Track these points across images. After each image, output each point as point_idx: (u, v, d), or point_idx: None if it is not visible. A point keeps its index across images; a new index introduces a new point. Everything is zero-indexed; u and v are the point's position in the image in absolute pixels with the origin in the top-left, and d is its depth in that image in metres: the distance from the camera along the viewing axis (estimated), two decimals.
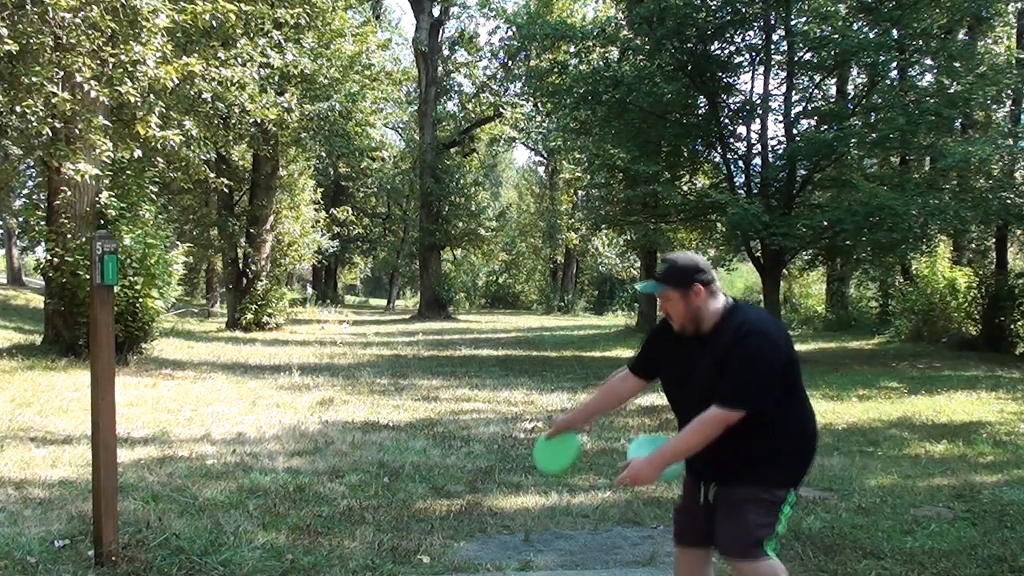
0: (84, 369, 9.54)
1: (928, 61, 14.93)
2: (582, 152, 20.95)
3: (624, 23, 15.96)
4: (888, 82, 14.73)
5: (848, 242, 13.82)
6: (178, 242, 15.15)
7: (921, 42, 13.94)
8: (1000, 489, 5.51)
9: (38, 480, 5.36)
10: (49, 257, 11.74)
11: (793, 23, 14.37)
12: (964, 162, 12.84)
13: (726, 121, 15.22)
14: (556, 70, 16.79)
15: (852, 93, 16.56)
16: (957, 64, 13.90)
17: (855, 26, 13.91)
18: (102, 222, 11.37)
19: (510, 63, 27.03)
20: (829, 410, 8.89)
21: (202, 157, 15.80)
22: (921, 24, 13.42)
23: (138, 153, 10.72)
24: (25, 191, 28.10)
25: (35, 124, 9.14)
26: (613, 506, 5.10)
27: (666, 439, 2.96)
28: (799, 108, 14.90)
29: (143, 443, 6.63)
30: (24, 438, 6.61)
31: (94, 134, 9.94)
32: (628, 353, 16.31)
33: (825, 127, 14.17)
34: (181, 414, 8.08)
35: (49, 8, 8.67)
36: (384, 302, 45.77)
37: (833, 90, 17.67)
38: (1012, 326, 16.21)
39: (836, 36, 13.52)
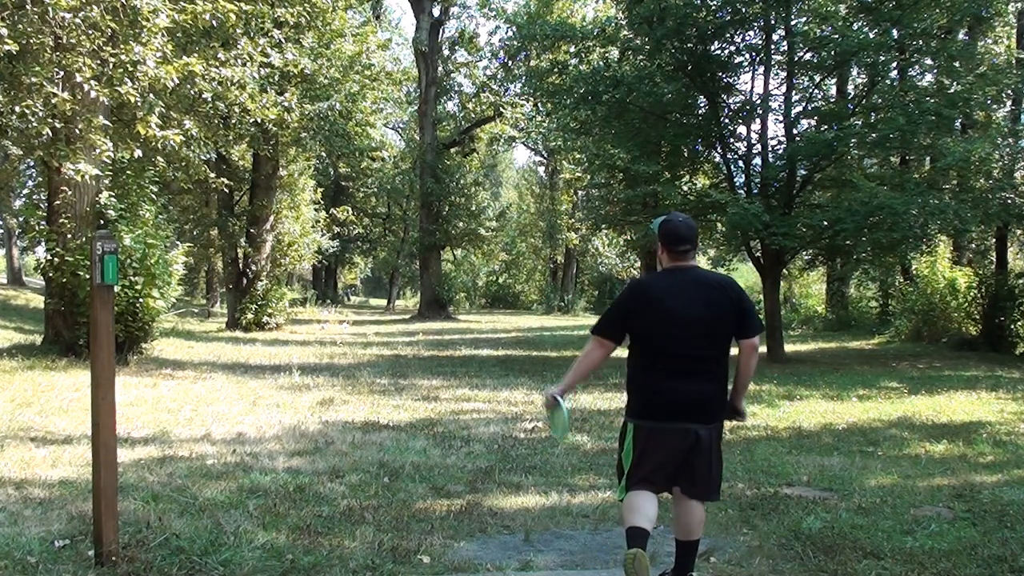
0: (84, 369, 9.54)
1: (928, 61, 14.92)
2: (582, 152, 20.98)
3: (624, 23, 15.96)
4: (888, 82, 14.73)
5: (848, 242, 13.83)
6: (178, 242, 15.17)
7: (921, 42, 13.94)
8: (1000, 489, 5.51)
9: (38, 480, 5.36)
10: (49, 257, 11.74)
11: (793, 23, 14.37)
12: (964, 162, 12.84)
13: (726, 121, 15.21)
14: (556, 70, 16.79)
15: (852, 93, 16.56)
16: (957, 64, 13.90)
17: (855, 26, 13.90)
18: (102, 222, 11.37)
19: (510, 63, 27.02)
20: (829, 410, 8.90)
21: (202, 157, 15.81)
22: (921, 24, 13.41)
23: (138, 153, 10.72)
24: (25, 191, 28.10)
25: (35, 124, 9.14)
26: (613, 506, 5.10)
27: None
28: (799, 108, 14.90)
29: (143, 443, 6.63)
30: (24, 438, 6.61)
31: (94, 134, 9.94)
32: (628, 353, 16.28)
33: (825, 127, 14.16)
34: (181, 414, 8.08)
35: (49, 8, 8.67)
36: (384, 302, 45.78)
37: (833, 90, 17.67)
38: (1012, 326, 16.22)
39: (836, 36, 13.52)
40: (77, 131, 10.19)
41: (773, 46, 14.78)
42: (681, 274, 3.61)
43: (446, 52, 32.29)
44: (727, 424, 3.86)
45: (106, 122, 10.23)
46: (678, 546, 3.66)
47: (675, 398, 3.50)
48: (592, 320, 27.71)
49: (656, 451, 3.52)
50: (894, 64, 14.49)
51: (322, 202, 30.04)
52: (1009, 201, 13.74)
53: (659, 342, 3.54)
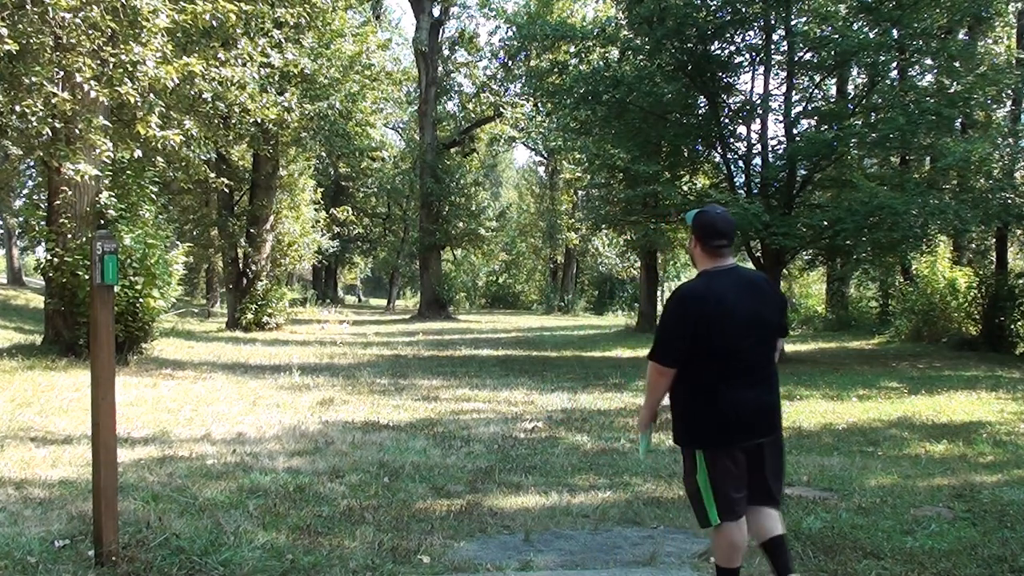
0: (84, 369, 9.54)
1: (928, 61, 14.92)
2: (582, 152, 20.98)
3: (624, 23, 15.98)
4: (888, 82, 14.73)
5: (848, 242, 13.83)
6: (178, 242, 15.16)
7: (921, 42, 13.94)
8: (1000, 489, 5.50)
9: (38, 480, 5.36)
10: (49, 257, 11.74)
11: (793, 23, 14.38)
12: (964, 162, 12.85)
13: (726, 121, 15.22)
14: (556, 70, 16.80)
15: (852, 93, 16.56)
16: (957, 64, 13.90)
17: (855, 26, 13.91)
18: (102, 222, 11.37)
19: (510, 63, 27.03)
20: (829, 410, 8.89)
21: (202, 157, 15.81)
22: (921, 24, 13.42)
23: (138, 153, 10.73)
24: (25, 191, 28.11)
25: (35, 124, 9.13)
26: (613, 506, 5.10)
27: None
28: (799, 108, 14.91)
29: (143, 443, 6.63)
30: (24, 438, 6.61)
31: (94, 134, 9.94)
32: (628, 353, 16.31)
33: (825, 127, 14.17)
34: (181, 414, 8.08)
35: (49, 8, 8.66)
36: (384, 302, 45.79)
37: (833, 90, 17.67)
38: (1012, 326, 16.21)
39: (836, 36, 13.52)
40: (77, 131, 10.18)
41: (773, 46, 14.79)
42: (729, 275, 3.32)
43: (446, 52, 32.29)
44: None
45: (106, 122, 10.23)
46: (772, 547, 3.36)
47: (749, 414, 3.23)
48: (592, 320, 27.58)
49: (739, 475, 3.23)
50: (894, 64, 14.49)
51: (322, 202, 30.05)
52: (1009, 201, 13.73)
53: (723, 354, 3.22)
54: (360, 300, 54.61)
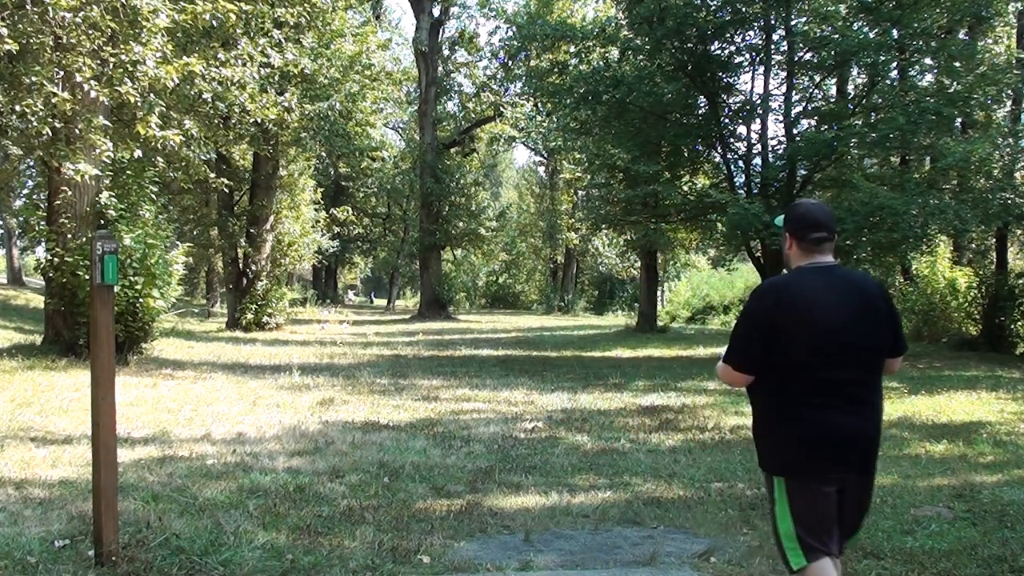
0: (84, 369, 9.54)
1: (928, 61, 14.93)
2: (582, 152, 21.01)
3: (624, 23, 15.99)
4: (888, 82, 14.73)
5: (848, 242, 13.79)
6: (178, 242, 15.16)
7: (921, 42, 13.94)
8: (1000, 489, 5.50)
9: (38, 480, 5.36)
10: (49, 257, 11.74)
11: (793, 23, 14.38)
12: (964, 162, 12.85)
13: (726, 121, 15.23)
14: (556, 70, 16.82)
15: (852, 93, 16.56)
16: (957, 64, 13.90)
17: (855, 26, 13.91)
18: (102, 222, 11.37)
19: (510, 63, 27.05)
20: None
21: (202, 157, 15.79)
22: (921, 24, 13.42)
23: (138, 153, 10.72)
24: (25, 191, 28.09)
25: (35, 124, 9.13)
26: (613, 506, 5.10)
27: None
28: (799, 108, 14.91)
29: (143, 443, 6.63)
30: (24, 438, 6.61)
31: (94, 134, 9.94)
32: (628, 353, 16.31)
33: (825, 127, 14.17)
34: (181, 414, 8.08)
35: (49, 8, 8.67)
36: (384, 302, 45.80)
37: (833, 90, 17.67)
38: (1012, 326, 16.22)
39: (836, 36, 13.53)
40: (77, 131, 10.19)
41: (773, 46, 14.80)
42: (825, 274, 2.83)
43: (446, 52, 32.30)
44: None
45: (106, 122, 10.23)
46: None
47: (837, 443, 2.76)
48: (592, 320, 27.58)
49: (827, 512, 2.81)
50: (894, 64, 14.49)
51: (322, 202, 30.06)
52: (1009, 201, 13.73)
53: (807, 367, 2.73)
54: (372, 300, 54.31)
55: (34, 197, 21.38)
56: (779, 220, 3.05)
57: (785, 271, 3.00)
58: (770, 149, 14.90)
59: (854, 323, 2.76)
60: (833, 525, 2.82)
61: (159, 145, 10.43)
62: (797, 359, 2.72)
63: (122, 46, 9.44)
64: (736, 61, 15.04)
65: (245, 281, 20.75)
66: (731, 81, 15.39)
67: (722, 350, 2.94)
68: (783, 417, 2.80)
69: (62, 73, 9.51)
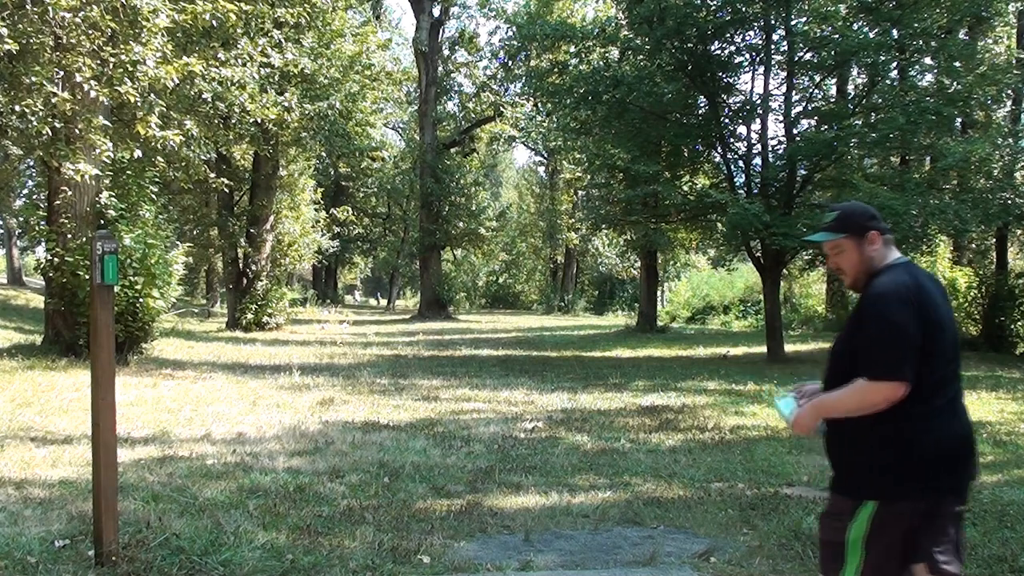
0: (84, 369, 9.54)
1: (928, 61, 14.92)
2: (582, 152, 20.98)
3: (624, 23, 15.97)
4: (888, 82, 14.73)
5: None
6: (178, 242, 15.15)
7: (921, 42, 13.93)
8: (1000, 489, 5.50)
9: (38, 480, 5.36)
10: (49, 257, 11.74)
11: (793, 23, 14.37)
12: (964, 162, 12.85)
13: (726, 121, 15.21)
14: (556, 70, 16.80)
15: (852, 93, 16.56)
16: (957, 64, 13.90)
17: (855, 26, 13.90)
18: (102, 222, 11.37)
19: (510, 63, 27.02)
20: None
21: (202, 157, 15.82)
22: (921, 24, 13.42)
23: (138, 153, 10.72)
24: (25, 191, 28.11)
25: (35, 124, 9.13)
26: (613, 506, 5.10)
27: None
28: (799, 108, 14.90)
29: (143, 443, 6.63)
30: (24, 438, 6.61)
31: (94, 134, 9.94)
32: (628, 353, 16.31)
33: (825, 127, 14.16)
34: (181, 414, 8.08)
35: (49, 8, 8.67)
36: (384, 302, 45.80)
37: (833, 90, 17.67)
38: (1012, 326, 16.22)
39: (836, 36, 13.52)
40: (77, 131, 10.19)
41: (773, 46, 14.78)
42: (923, 271, 2.66)
43: (446, 52, 32.32)
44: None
45: (106, 122, 10.23)
46: None
47: (961, 457, 2.52)
48: (592, 320, 27.47)
49: (904, 552, 2.47)
50: (894, 64, 14.48)
51: (322, 202, 30.07)
52: (1009, 201, 13.74)
53: (942, 368, 2.50)
54: (379, 301, 53.98)
55: (34, 197, 21.41)
56: (819, 236, 2.77)
57: (850, 273, 2.71)
58: (770, 149, 14.89)
59: (952, 318, 2.61)
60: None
61: (159, 145, 10.44)
62: (936, 362, 2.48)
63: (122, 46, 9.44)
64: (736, 61, 15.03)
65: (245, 281, 20.76)
66: (731, 81, 15.38)
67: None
68: (911, 431, 2.47)
69: (62, 73, 9.51)
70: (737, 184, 15.44)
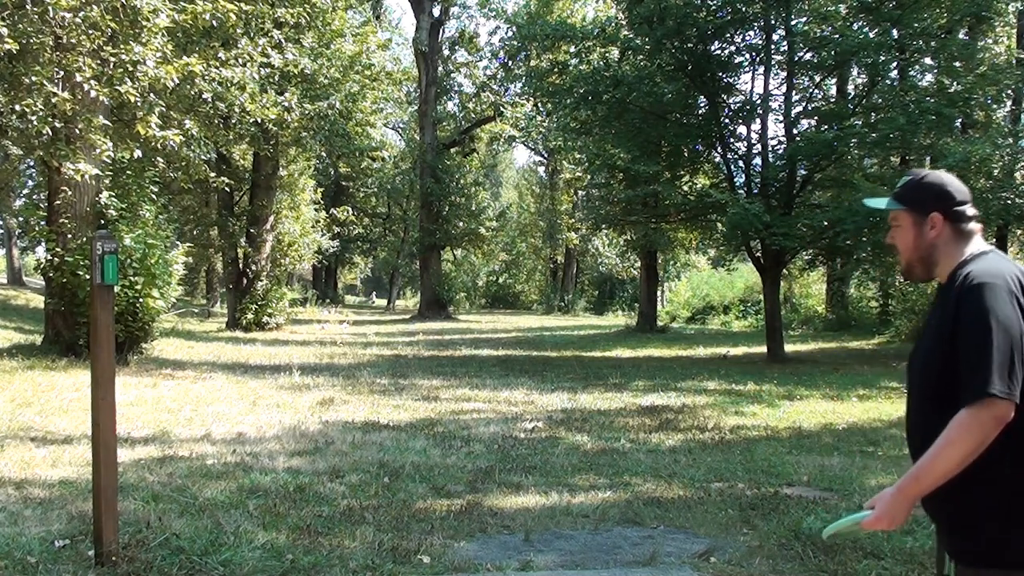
0: (84, 369, 9.54)
1: (928, 61, 14.93)
2: (582, 152, 20.97)
3: (624, 23, 15.98)
4: (888, 82, 14.73)
5: (848, 242, 13.82)
6: (178, 242, 15.15)
7: (921, 42, 13.94)
8: None
9: (38, 480, 5.36)
10: (49, 257, 11.74)
11: (793, 23, 14.37)
12: (964, 162, 12.83)
13: (726, 121, 15.22)
14: (556, 70, 16.81)
15: (852, 93, 16.56)
16: (957, 64, 13.91)
17: (855, 26, 13.91)
18: (102, 222, 11.37)
19: (510, 63, 27.04)
20: (829, 410, 8.90)
21: (202, 157, 15.81)
22: (921, 24, 13.42)
23: (138, 153, 10.72)
24: (25, 191, 28.11)
25: (35, 124, 9.13)
26: (613, 506, 5.10)
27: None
28: (799, 108, 14.91)
29: (143, 443, 6.63)
30: (24, 438, 6.61)
31: (94, 134, 9.94)
32: (628, 353, 16.30)
33: (825, 127, 14.17)
34: (181, 414, 8.08)
35: (49, 8, 8.67)
36: (384, 302, 45.80)
37: (833, 90, 17.67)
38: None
39: (836, 36, 13.53)
40: (77, 131, 10.18)
41: (773, 46, 14.79)
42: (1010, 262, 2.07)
43: (446, 52, 32.31)
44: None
45: (106, 122, 10.23)
46: None
47: None
48: (592, 320, 27.44)
49: None
50: (894, 64, 14.49)
51: (322, 202, 30.05)
52: (1009, 201, 13.73)
53: None
54: (387, 303, 53.73)
55: (34, 197, 21.43)
56: (877, 202, 2.31)
57: (903, 255, 2.21)
58: (770, 149, 14.89)
59: None
60: None
61: (159, 145, 10.43)
62: None
63: (122, 46, 9.44)
64: (736, 61, 15.03)
65: (245, 281, 20.75)
66: (731, 81, 15.38)
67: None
68: None
69: (62, 73, 9.51)
70: (737, 184, 15.45)
